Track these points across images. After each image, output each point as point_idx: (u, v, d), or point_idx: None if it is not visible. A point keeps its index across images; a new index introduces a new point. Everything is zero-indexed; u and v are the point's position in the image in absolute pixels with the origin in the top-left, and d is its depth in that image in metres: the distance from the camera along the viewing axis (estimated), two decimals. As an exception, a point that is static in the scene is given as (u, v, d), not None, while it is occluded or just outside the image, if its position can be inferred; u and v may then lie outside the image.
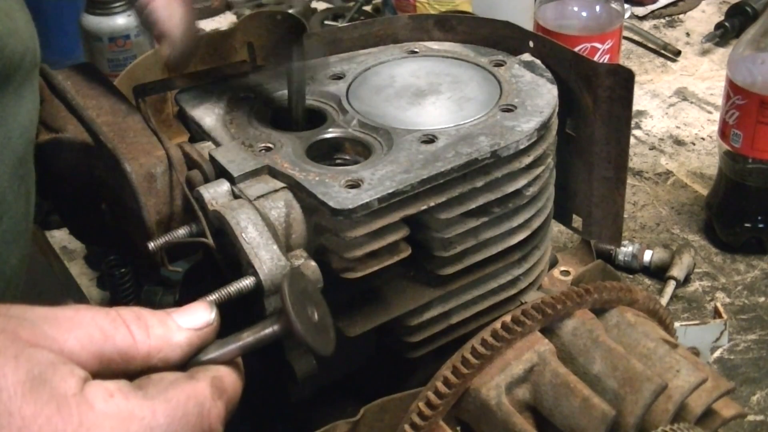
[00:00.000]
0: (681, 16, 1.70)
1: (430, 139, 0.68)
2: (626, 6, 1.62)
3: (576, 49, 0.76)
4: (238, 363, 0.51)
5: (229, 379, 0.49)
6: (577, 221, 0.82)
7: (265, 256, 0.61)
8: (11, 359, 0.42)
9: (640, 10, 1.69)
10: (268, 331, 0.51)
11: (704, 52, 1.59)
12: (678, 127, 1.40)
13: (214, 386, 0.47)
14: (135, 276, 1.11)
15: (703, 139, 1.37)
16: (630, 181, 1.24)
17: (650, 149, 1.35)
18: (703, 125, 1.41)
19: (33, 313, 0.45)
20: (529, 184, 0.70)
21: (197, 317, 0.49)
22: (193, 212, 0.65)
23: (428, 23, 0.84)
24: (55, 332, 0.45)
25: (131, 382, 0.46)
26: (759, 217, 1.13)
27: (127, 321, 0.47)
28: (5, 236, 0.65)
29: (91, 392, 0.44)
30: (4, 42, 0.63)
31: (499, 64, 0.78)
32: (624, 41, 1.52)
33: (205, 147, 0.70)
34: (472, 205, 0.68)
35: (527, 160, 0.69)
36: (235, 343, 0.50)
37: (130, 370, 0.47)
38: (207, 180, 0.67)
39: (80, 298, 1.14)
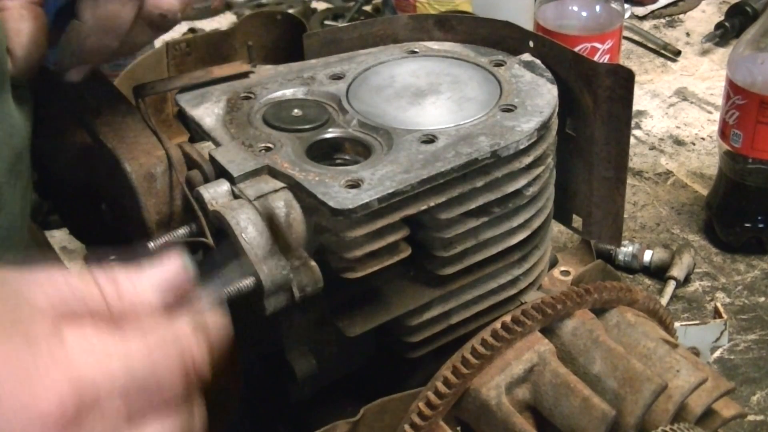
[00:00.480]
0: (681, 16, 1.70)
1: (430, 139, 0.68)
2: (626, 6, 1.62)
3: (576, 49, 0.76)
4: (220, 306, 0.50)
5: (212, 318, 0.48)
6: (577, 221, 0.82)
7: (266, 256, 0.61)
8: None
9: (640, 10, 1.69)
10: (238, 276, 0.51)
11: (704, 52, 1.59)
12: (678, 127, 1.40)
13: (195, 325, 0.46)
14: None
15: (703, 139, 1.37)
16: (630, 181, 1.24)
17: (650, 149, 1.35)
18: (703, 125, 1.41)
19: (2, 273, 0.44)
20: (529, 184, 0.70)
21: (169, 270, 0.48)
22: (193, 212, 0.65)
23: (428, 23, 0.84)
24: (26, 290, 0.44)
25: (109, 323, 0.45)
26: (759, 217, 1.13)
27: (100, 282, 0.46)
28: (0, 232, 0.65)
29: (66, 331, 0.43)
30: (3, 40, 0.63)
31: (499, 64, 0.78)
32: (624, 41, 1.52)
33: (205, 147, 0.70)
34: (472, 205, 0.68)
35: (527, 160, 0.69)
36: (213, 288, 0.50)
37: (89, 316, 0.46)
38: (207, 180, 0.67)
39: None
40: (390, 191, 0.63)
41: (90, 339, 0.43)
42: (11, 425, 0.40)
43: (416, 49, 0.81)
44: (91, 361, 0.43)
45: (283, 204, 0.64)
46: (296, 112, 0.72)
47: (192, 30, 1.66)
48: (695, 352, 0.95)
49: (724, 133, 1.12)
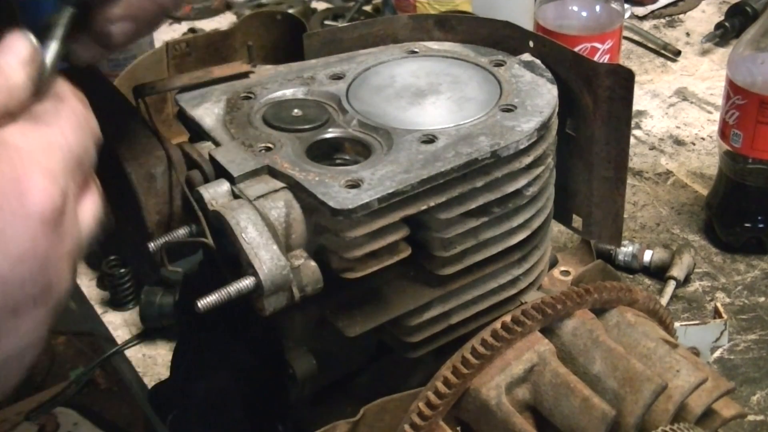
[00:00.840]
0: (681, 16, 1.70)
1: (430, 139, 0.68)
2: (626, 6, 1.62)
3: (576, 49, 0.76)
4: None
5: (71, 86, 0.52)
6: (577, 221, 0.82)
7: (265, 256, 0.61)
8: None
9: (640, 10, 1.69)
10: None
11: (704, 52, 1.59)
12: (678, 127, 1.40)
13: (78, 96, 0.51)
14: (135, 276, 1.11)
15: (703, 139, 1.37)
16: (630, 181, 1.24)
17: (650, 149, 1.35)
18: (703, 125, 1.41)
19: None
20: (529, 184, 0.70)
21: (21, 49, 0.49)
22: (193, 212, 0.65)
23: (428, 23, 0.84)
24: None
25: (24, 120, 0.48)
26: (759, 217, 1.14)
27: None
28: None
29: (9, 135, 0.46)
30: None
31: (499, 64, 0.78)
32: (624, 41, 1.52)
33: (205, 147, 0.70)
34: (472, 205, 0.68)
35: (527, 160, 0.69)
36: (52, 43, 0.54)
37: None
38: (207, 180, 0.67)
39: (80, 299, 1.14)
40: (390, 191, 0.63)
41: (30, 134, 0.46)
42: (13, 230, 0.43)
43: (416, 49, 0.81)
44: (49, 155, 0.46)
45: (283, 204, 0.64)
46: (296, 112, 0.72)
47: (192, 30, 1.66)
48: (695, 352, 0.95)
49: (724, 133, 1.12)
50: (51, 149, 0.46)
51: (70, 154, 0.48)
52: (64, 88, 0.51)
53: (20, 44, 0.49)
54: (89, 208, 0.50)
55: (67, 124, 0.48)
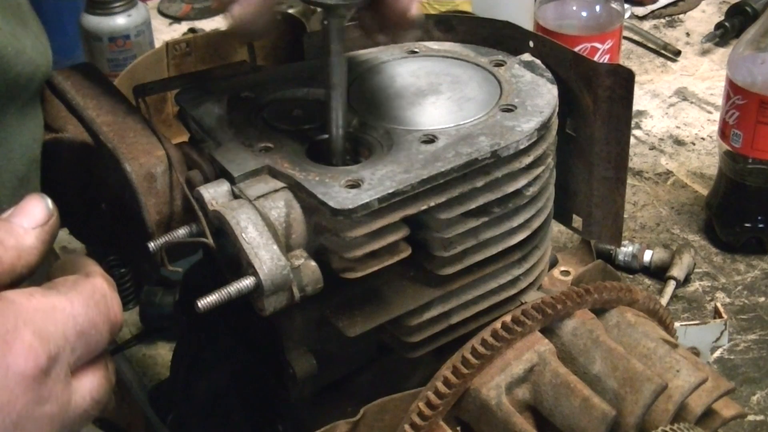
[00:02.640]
0: (681, 16, 1.70)
1: (430, 139, 0.68)
2: (626, 6, 1.62)
3: (576, 49, 0.76)
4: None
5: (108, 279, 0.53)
6: (577, 221, 0.82)
7: (265, 256, 0.61)
8: None
9: (640, 10, 1.70)
10: None
11: (704, 52, 1.59)
12: (678, 127, 1.40)
13: (107, 281, 0.51)
14: (135, 276, 1.11)
15: (703, 139, 1.37)
16: (630, 181, 1.24)
17: (650, 149, 1.35)
18: (703, 125, 1.41)
19: None
20: (529, 184, 0.70)
21: (37, 214, 0.51)
22: (193, 212, 0.65)
23: (428, 23, 0.84)
24: None
25: (40, 286, 0.49)
26: (759, 217, 1.14)
27: None
28: None
29: (13, 294, 0.47)
30: (11, 64, 0.62)
31: (499, 64, 0.78)
32: (624, 41, 1.52)
33: (205, 147, 0.70)
34: (472, 205, 0.68)
35: (527, 160, 0.69)
36: None
37: (2, 286, 0.48)
38: (207, 180, 0.67)
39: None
40: (390, 191, 0.63)
41: (37, 298, 0.47)
42: None
43: (416, 49, 0.81)
44: (44, 317, 0.47)
45: (283, 204, 0.64)
46: (296, 112, 0.72)
47: (192, 30, 1.66)
48: (695, 352, 0.95)
49: (724, 133, 1.12)
50: (52, 313, 0.47)
51: (73, 322, 0.48)
52: (94, 268, 0.52)
53: (36, 208, 0.51)
54: (88, 385, 0.50)
55: (80, 297, 0.49)
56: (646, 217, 1.22)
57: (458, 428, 0.67)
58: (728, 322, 1.02)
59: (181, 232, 0.66)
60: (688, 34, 1.65)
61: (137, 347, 1.07)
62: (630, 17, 1.67)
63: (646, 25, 1.67)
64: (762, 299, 1.08)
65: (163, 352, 1.05)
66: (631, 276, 1.12)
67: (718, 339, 1.00)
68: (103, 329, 0.50)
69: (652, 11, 1.70)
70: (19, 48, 0.63)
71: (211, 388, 0.80)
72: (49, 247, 0.50)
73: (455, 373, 0.65)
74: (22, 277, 0.49)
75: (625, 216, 0.81)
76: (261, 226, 0.62)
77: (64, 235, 1.14)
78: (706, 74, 1.53)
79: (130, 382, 1.05)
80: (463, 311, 0.73)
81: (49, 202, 0.52)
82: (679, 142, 1.37)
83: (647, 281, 1.11)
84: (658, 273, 1.11)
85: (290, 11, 0.98)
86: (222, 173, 0.66)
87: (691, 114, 1.43)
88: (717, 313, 1.02)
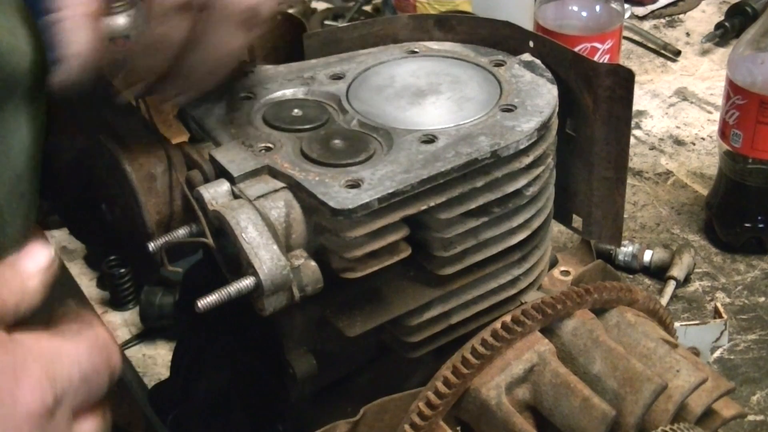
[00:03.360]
0: (681, 16, 1.70)
1: (430, 139, 0.68)
2: (626, 6, 1.62)
3: (576, 49, 0.76)
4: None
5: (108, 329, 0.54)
6: (577, 221, 0.82)
7: (265, 256, 0.61)
8: None
9: (640, 10, 1.70)
10: None
11: (704, 52, 1.59)
12: (678, 127, 1.40)
13: (107, 329, 0.53)
14: (135, 276, 1.11)
15: (703, 139, 1.37)
16: (630, 181, 1.24)
17: (650, 149, 1.35)
18: (703, 125, 1.41)
19: None
20: (529, 184, 0.70)
21: (41, 257, 0.52)
22: (193, 212, 0.65)
23: (428, 23, 0.84)
24: None
25: (47, 330, 0.50)
26: (759, 217, 1.14)
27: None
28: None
29: (21, 335, 0.48)
30: (5, 60, 0.62)
31: (499, 64, 0.78)
32: (624, 41, 1.52)
33: (205, 147, 0.70)
34: (472, 205, 0.68)
35: (527, 160, 0.69)
36: None
37: (5, 326, 0.49)
38: (207, 180, 0.67)
39: (80, 299, 1.14)
40: (390, 191, 0.63)
41: (43, 341, 0.49)
42: (2, 424, 0.45)
43: (416, 49, 0.81)
44: (49, 360, 0.48)
45: (283, 204, 0.64)
46: (296, 112, 0.72)
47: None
48: (695, 352, 0.95)
49: (724, 133, 1.12)
50: (58, 357, 0.48)
51: (77, 367, 0.49)
52: (95, 317, 0.53)
53: (40, 252, 0.52)
54: (87, 430, 0.51)
55: (84, 344, 0.50)
56: (646, 217, 1.22)
57: (458, 428, 0.67)
58: (728, 322, 1.02)
59: (181, 232, 0.66)
60: (688, 34, 1.65)
61: (137, 347, 1.07)
62: (630, 17, 1.67)
63: (646, 25, 1.67)
64: (762, 299, 1.08)
65: (163, 352, 1.05)
66: (631, 276, 1.12)
67: (718, 339, 1.00)
68: (104, 375, 0.51)
69: (652, 11, 1.70)
70: (14, 44, 0.63)
71: (211, 388, 0.80)
72: (50, 290, 0.52)
73: (455, 373, 0.65)
74: (24, 318, 0.50)
75: (625, 216, 0.81)
76: (261, 226, 0.62)
77: (64, 235, 1.14)
78: (706, 74, 1.53)
79: (130, 382, 1.05)
80: (463, 311, 0.73)
81: (53, 248, 0.53)
82: (679, 142, 1.37)
83: (647, 281, 1.11)
84: (658, 273, 1.11)
85: (290, 11, 0.98)
86: (222, 173, 0.66)
87: (691, 114, 1.43)
88: (717, 313, 1.02)
